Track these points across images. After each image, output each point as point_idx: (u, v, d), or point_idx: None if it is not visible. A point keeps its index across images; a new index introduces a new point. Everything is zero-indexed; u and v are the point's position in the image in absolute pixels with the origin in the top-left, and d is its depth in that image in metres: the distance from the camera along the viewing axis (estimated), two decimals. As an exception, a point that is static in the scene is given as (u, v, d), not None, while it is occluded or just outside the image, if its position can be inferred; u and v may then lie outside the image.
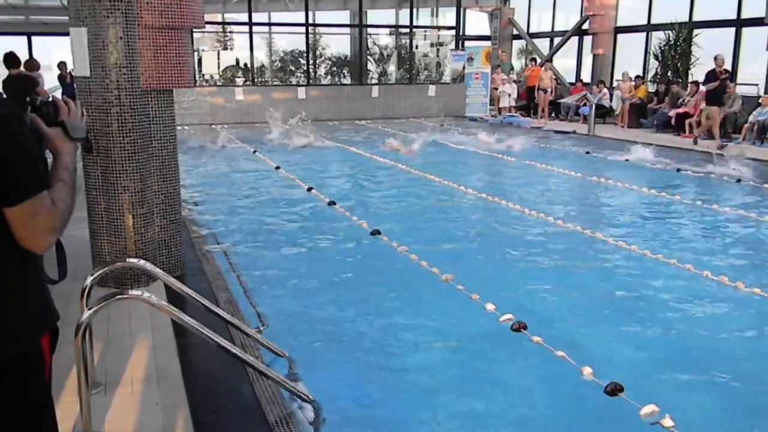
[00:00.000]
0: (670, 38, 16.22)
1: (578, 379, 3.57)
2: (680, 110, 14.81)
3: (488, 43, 21.67)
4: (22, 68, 10.77)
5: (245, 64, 19.95)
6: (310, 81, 19.80)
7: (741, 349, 4.13)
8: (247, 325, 3.90)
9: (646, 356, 3.98)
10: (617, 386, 3.38)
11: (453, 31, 21.22)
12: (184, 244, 5.17)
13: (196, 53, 19.31)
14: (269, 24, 21.39)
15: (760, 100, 13.38)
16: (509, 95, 18.71)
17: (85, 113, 1.82)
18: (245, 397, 3.18)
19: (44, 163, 1.63)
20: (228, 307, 4.26)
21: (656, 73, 16.75)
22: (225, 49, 21.31)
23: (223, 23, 21.58)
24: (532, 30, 22.22)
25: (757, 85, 14.99)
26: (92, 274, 3.29)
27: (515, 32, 22.34)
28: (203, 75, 19.88)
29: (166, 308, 2.92)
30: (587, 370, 3.60)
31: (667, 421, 3.11)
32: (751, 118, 13.26)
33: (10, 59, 10.20)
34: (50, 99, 1.73)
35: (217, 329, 3.31)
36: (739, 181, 9.46)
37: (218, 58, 20.94)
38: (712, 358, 3.97)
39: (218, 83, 19.69)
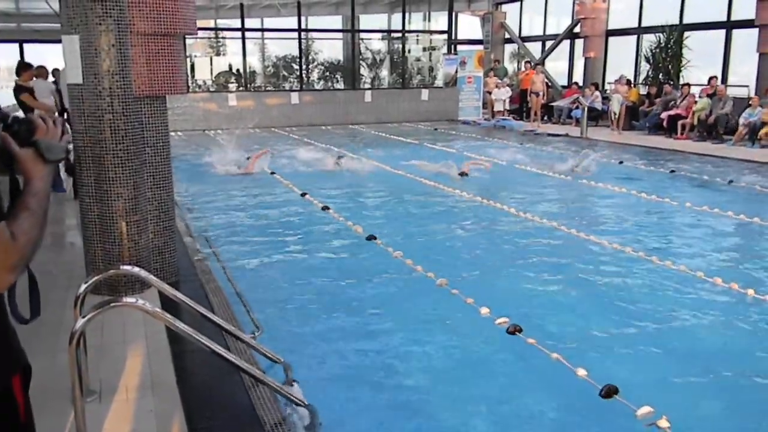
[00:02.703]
0: (661, 41, 16.32)
1: (574, 381, 3.57)
2: (672, 112, 14.90)
3: (480, 47, 21.76)
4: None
5: (238, 70, 19.97)
6: (303, 86, 19.83)
7: (736, 349, 4.15)
8: (242, 331, 3.89)
9: (641, 358, 3.99)
10: (612, 388, 3.39)
11: (445, 36, 21.30)
12: (178, 251, 5.16)
13: (188, 59, 19.31)
14: (262, 30, 21.42)
15: (750, 102, 13.47)
16: (503, 100, 18.78)
17: (68, 132, 1.65)
18: (241, 404, 3.17)
19: (16, 186, 1.48)
20: (223, 313, 4.24)
21: (647, 76, 16.85)
22: (218, 54, 21.34)
23: (216, 29, 21.60)
24: (524, 33, 22.32)
25: (747, 86, 15.10)
26: (86, 282, 3.27)
27: (507, 36, 22.43)
28: (196, 81, 19.88)
29: (161, 315, 2.91)
30: (582, 372, 3.61)
31: (663, 422, 3.12)
32: (741, 120, 13.35)
33: None
34: (25, 116, 1.56)
35: (212, 336, 3.30)
36: None
37: (211, 64, 20.96)
38: (708, 359, 3.99)
39: (211, 89, 19.69)
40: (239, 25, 18.74)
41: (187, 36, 5.54)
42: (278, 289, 5.15)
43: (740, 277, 5.32)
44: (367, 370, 3.83)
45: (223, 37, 21.31)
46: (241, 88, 19.46)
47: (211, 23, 21.31)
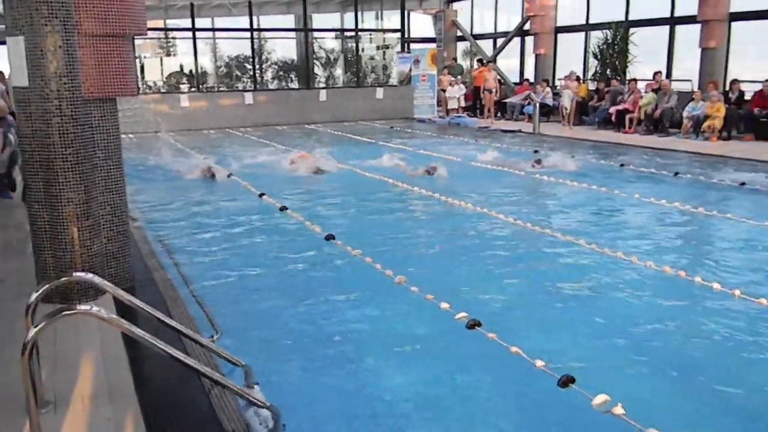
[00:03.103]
0: (608, 37, 16.75)
1: (532, 373, 3.65)
2: (620, 107, 15.29)
3: (433, 45, 21.93)
4: None
5: (190, 71, 19.67)
6: (257, 86, 19.66)
7: (685, 336, 4.30)
8: (201, 335, 3.85)
9: (597, 347, 4.10)
10: (569, 378, 3.48)
11: (398, 34, 21.40)
12: (132, 256, 5.06)
13: (138, 60, 18.93)
14: (213, 29, 21.13)
15: (693, 96, 13.94)
16: (457, 98, 18.96)
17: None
18: (201, 409, 3.14)
19: None
20: (180, 317, 4.18)
21: (596, 72, 17.27)
22: (168, 55, 20.99)
23: (166, 29, 21.22)
24: (476, 31, 22.59)
25: (690, 81, 15.60)
26: (37, 290, 3.19)
27: (459, 34, 22.66)
28: (146, 82, 19.51)
29: (116, 321, 2.86)
30: (540, 363, 3.69)
31: (618, 409, 3.21)
32: (685, 113, 13.80)
33: None
34: None
35: (170, 340, 3.26)
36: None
37: (161, 65, 20.60)
38: (659, 345, 4.12)
39: (162, 90, 19.34)
40: (190, 25, 18.45)
41: (136, 36, 5.44)
42: (237, 290, 5.11)
43: (688, 265, 5.51)
44: (328, 367, 3.83)
45: (174, 38, 20.97)
46: (193, 89, 19.17)
47: (160, 23, 20.91)
